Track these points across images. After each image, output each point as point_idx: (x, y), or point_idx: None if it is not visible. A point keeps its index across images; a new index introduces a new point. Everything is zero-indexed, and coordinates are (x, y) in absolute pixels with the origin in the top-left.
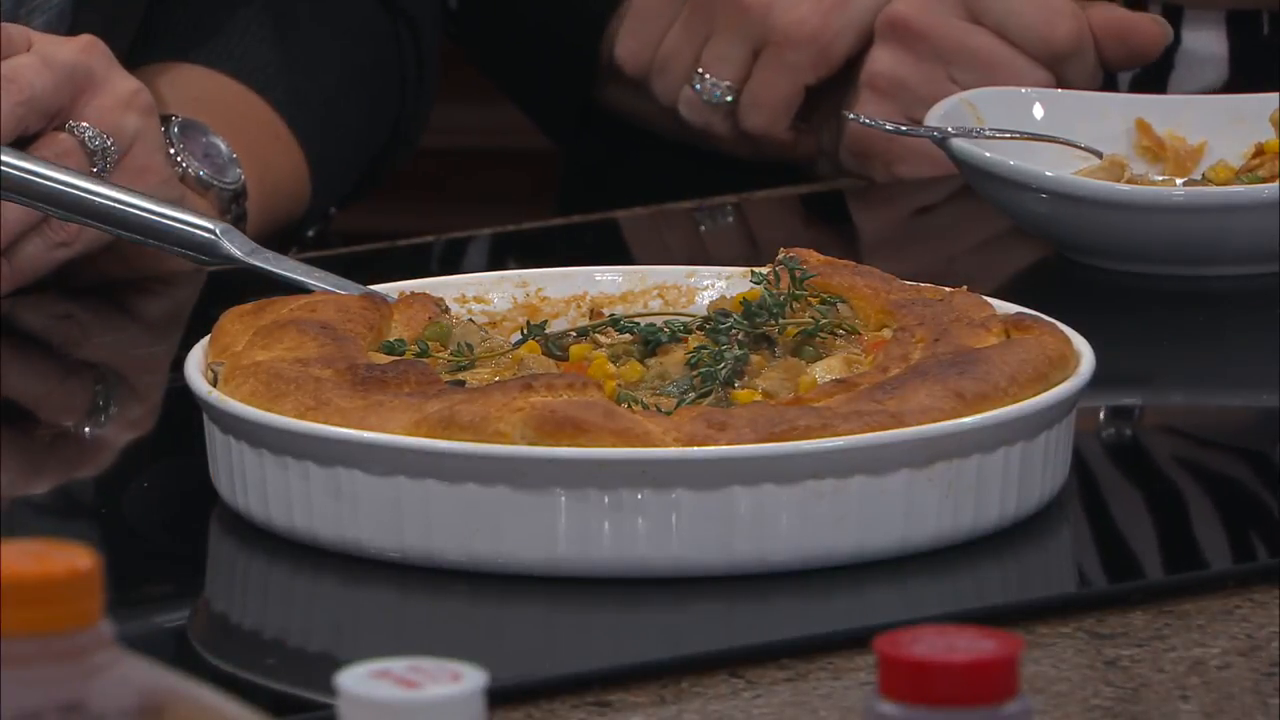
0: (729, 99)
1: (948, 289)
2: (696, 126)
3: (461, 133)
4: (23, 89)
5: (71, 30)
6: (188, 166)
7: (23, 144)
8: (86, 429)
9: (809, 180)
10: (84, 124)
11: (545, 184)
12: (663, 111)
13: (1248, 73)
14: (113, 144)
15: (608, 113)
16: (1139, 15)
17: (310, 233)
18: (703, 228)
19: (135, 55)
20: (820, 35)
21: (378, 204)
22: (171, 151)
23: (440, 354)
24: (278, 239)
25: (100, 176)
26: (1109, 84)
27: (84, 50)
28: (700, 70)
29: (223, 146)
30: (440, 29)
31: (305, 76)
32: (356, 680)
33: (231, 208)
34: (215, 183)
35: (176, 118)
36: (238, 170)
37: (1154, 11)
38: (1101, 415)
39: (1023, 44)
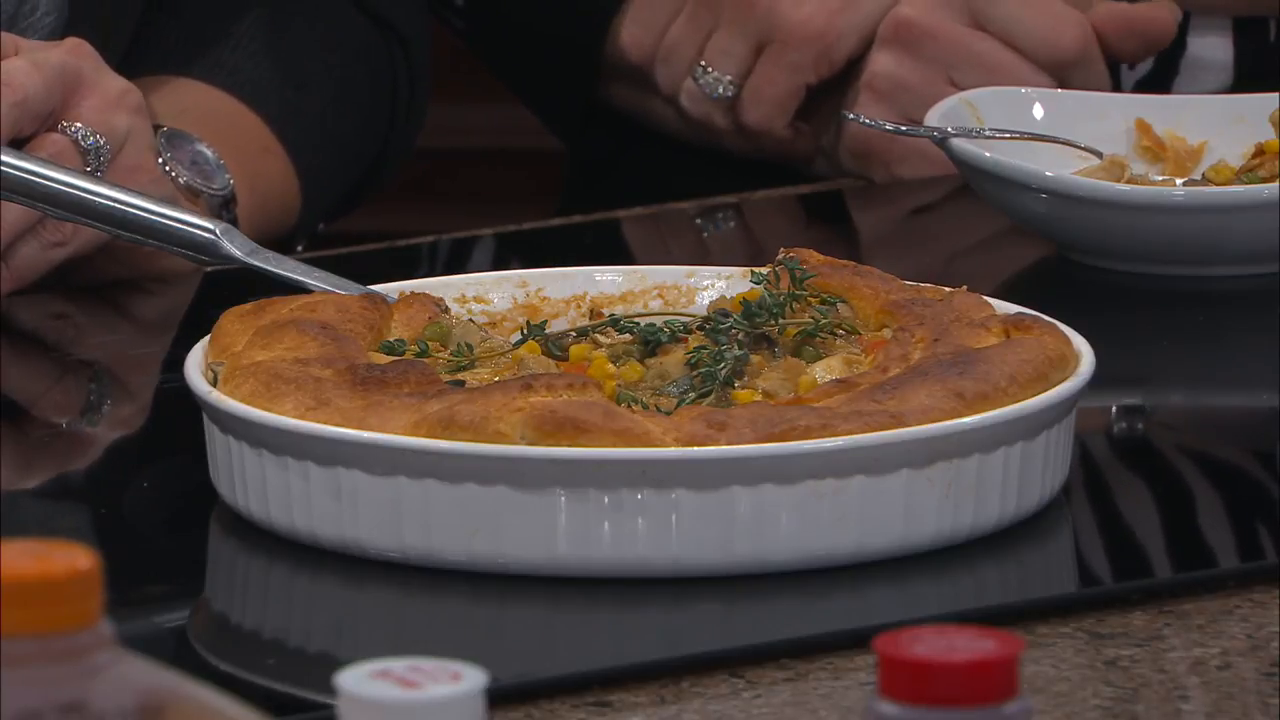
0: (730, 93)
1: (948, 289)
2: (696, 118)
3: (463, 133)
4: (15, 90)
5: (67, 28)
6: (176, 175)
7: (16, 146)
8: (85, 429)
9: (809, 180)
10: (77, 124)
11: (546, 184)
12: (665, 106)
13: (1252, 78)
14: (105, 143)
15: (613, 111)
16: (1145, 5)
17: (300, 247)
18: (703, 227)
19: (127, 68)
20: (825, 35)
21: (378, 204)
22: (159, 160)
23: (440, 354)
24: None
25: (96, 176)
26: (1112, 85)
27: (71, 52)
28: (702, 63)
29: (210, 154)
30: (430, 44)
31: (297, 91)
32: (356, 680)
33: (221, 214)
34: (204, 189)
35: (163, 128)
36: (226, 176)
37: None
38: (1101, 415)
39: (1028, 51)
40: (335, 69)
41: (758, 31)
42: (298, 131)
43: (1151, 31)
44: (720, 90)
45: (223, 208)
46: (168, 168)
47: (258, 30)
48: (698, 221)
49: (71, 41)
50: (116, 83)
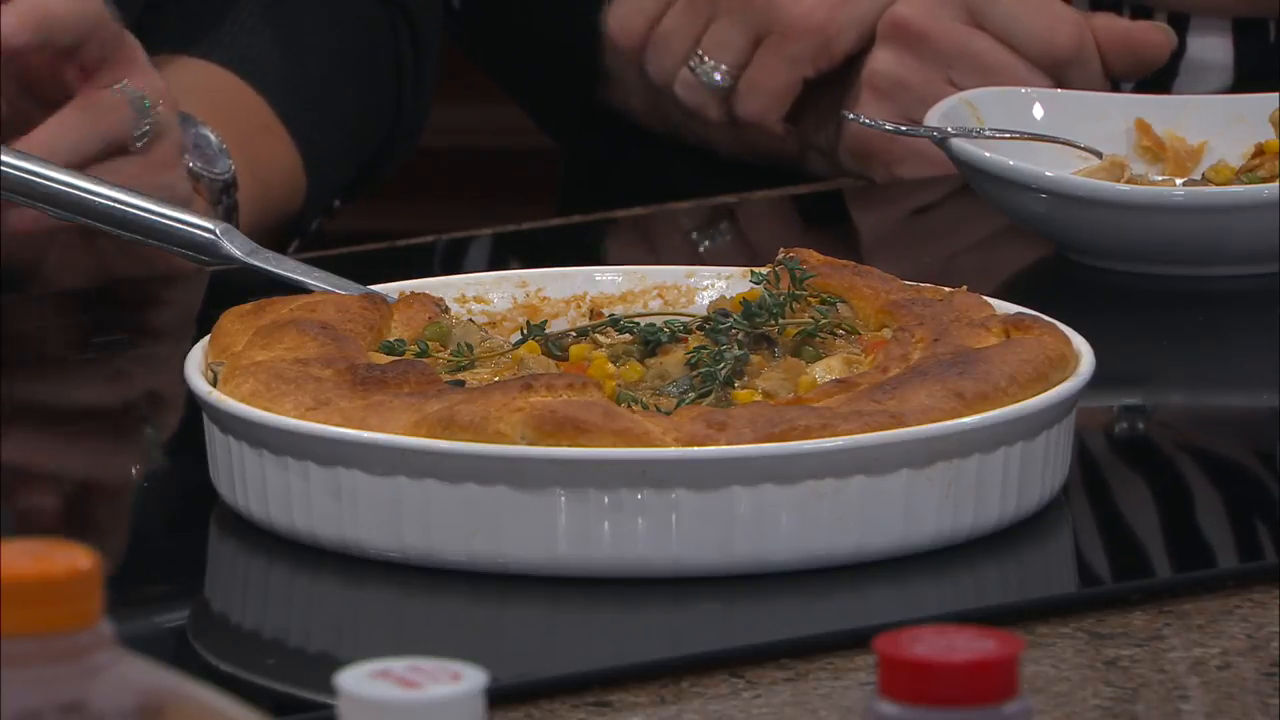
0: (726, 84)
1: (948, 289)
2: (689, 108)
3: (461, 133)
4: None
5: None
6: None
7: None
8: (85, 428)
9: (809, 180)
10: (130, 86)
11: (545, 184)
12: (657, 106)
13: (1252, 79)
14: (158, 112)
15: (609, 113)
16: (1143, 24)
17: (314, 226)
18: (702, 228)
19: None
20: (825, 29)
21: (378, 204)
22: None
23: (440, 354)
24: (276, 232)
25: (135, 148)
26: (1111, 85)
27: (128, 33)
28: (700, 53)
29: (212, 138)
30: (439, 20)
31: (297, 67)
32: (356, 680)
33: (222, 199)
34: (205, 174)
35: None
36: (228, 161)
37: (1159, 18)
38: (1101, 415)
39: (1025, 50)
40: (336, 45)
41: (757, 23)
42: (299, 109)
43: (1146, 51)
44: (717, 81)
45: (223, 192)
46: None
47: (258, 5)
48: (697, 222)
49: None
50: (159, 79)
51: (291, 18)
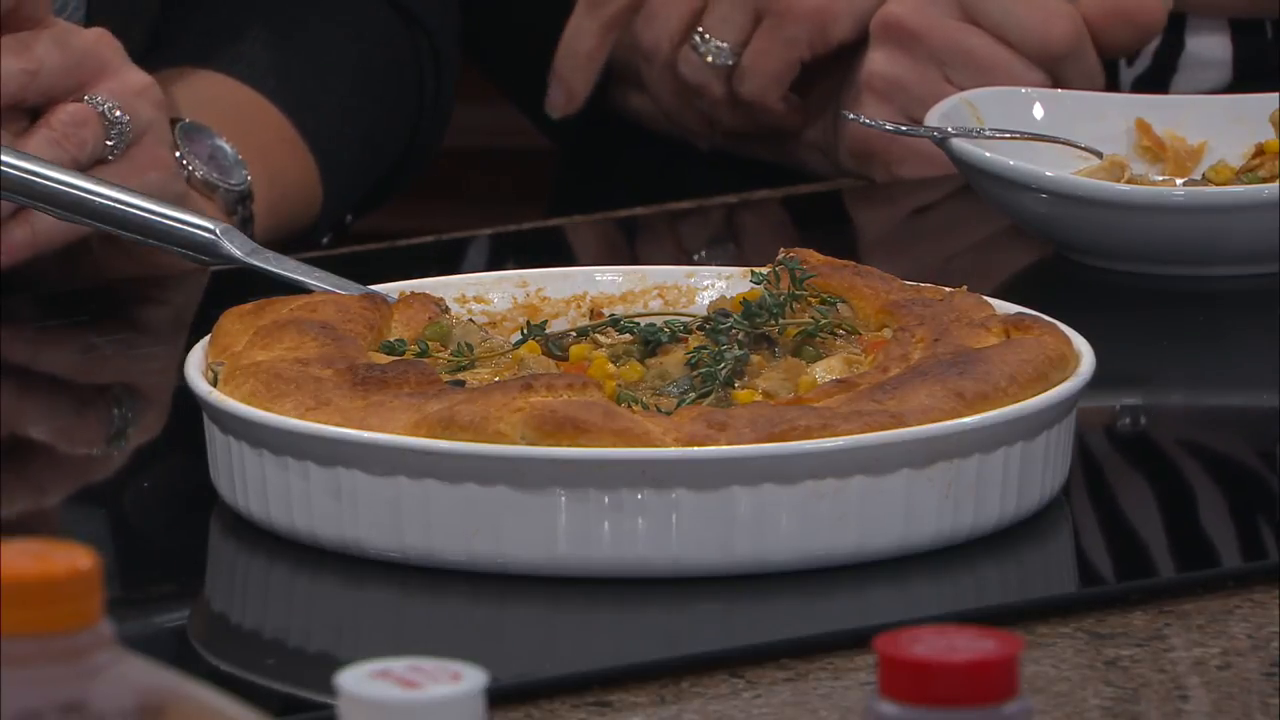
0: (729, 62)
1: (948, 289)
2: (691, 85)
3: (461, 133)
4: (30, 60)
5: (87, 27)
6: (193, 169)
7: (35, 113)
8: (86, 429)
9: (809, 180)
10: (100, 96)
11: (545, 184)
12: (659, 104)
13: (1251, 76)
14: (129, 120)
15: (607, 114)
16: None
17: (325, 240)
18: (702, 227)
19: (148, 60)
20: (821, 14)
21: None
22: (177, 154)
23: (440, 354)
24: (290, 243)
25: (111, 158)
26: (1110, 84)
27: (97, 40)
28: (701, 30)
29: (228, 149)
30: (459, 39)
31: (317, 82)
32: (356, 680)
33: (238, 209)
34: (220, 184)
35: (182, 121)
36: (244, 172)
37: None
38: (1101, 415)
39: (1019, 45)
40: (356, 59)
41: (757, 3)
42: (318, 123)
43: (1141, 18)
44: (721, 59)
45: (239, 203)
46: (185, 161)
47: (277, 21)
48: (697, 222)
49: (98, 30)
50: (139, 75)
51: (312, 34)
